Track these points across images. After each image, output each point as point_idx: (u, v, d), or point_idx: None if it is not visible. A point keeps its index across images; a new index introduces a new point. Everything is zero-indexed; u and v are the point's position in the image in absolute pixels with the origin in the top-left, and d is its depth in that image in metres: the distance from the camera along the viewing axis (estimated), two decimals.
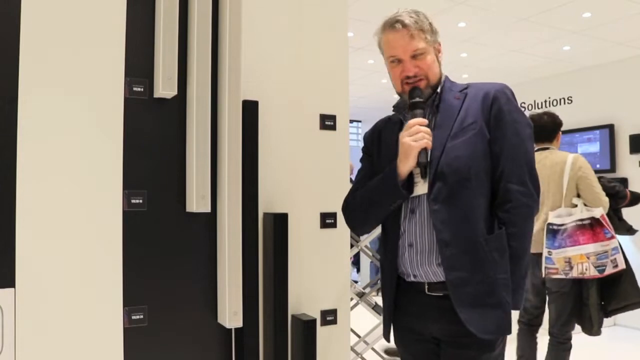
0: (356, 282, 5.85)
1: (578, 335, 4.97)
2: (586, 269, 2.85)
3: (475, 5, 4.18)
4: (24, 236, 1.49)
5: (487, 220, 1.54)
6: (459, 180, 1.51)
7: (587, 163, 3.02)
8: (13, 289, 1.47)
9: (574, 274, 2.86)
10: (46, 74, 1.54)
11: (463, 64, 5.74)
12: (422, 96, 1.59)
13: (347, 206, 1.74)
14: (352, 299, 2.60)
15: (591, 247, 2.83)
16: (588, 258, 2.84)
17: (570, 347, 3.17)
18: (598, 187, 2.95)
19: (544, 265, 2.91)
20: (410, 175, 1.57)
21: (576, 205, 2.92)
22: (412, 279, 1.60)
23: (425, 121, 1.56)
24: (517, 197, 1.52)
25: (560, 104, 6.13)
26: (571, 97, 6.05)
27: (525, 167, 1.55)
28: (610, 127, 5.61)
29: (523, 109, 6.31)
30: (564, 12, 4.30)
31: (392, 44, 1.59)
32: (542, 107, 6.28)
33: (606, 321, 5.74)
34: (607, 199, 2.95)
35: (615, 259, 2.85)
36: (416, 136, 1.52)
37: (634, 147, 5.46)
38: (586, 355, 4.46)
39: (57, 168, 1.54)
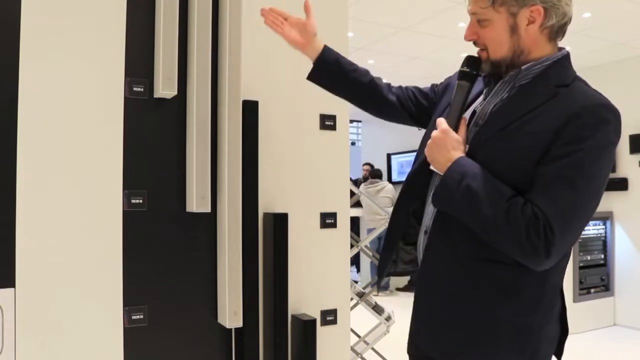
0: (356, 282, 5.84)
1: (578, 335, 4.96)
2: None
3: None
4: (24, 236, 1.49)
5: None
6: None
7: None
8: (13, 289, 1.47)
9: None
10: (46, 73, 1.53)
11: None
12: (474, 68, 1.32)
13: None
14: (352, 299, 2.60)
15: None
16: None
17: None
18: None
19: None
20: None
21: None
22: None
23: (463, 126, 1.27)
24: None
25: None
26: None
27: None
28: None
29: None
30: None
31: None
32: None
33: (607, 321, 5.73)
34: None
35: None
36: (441, 148, 1.24)
37: (634, 147, 5.46)
38: (586, 355, 4.46)
39: (57, 168, 1.54)
